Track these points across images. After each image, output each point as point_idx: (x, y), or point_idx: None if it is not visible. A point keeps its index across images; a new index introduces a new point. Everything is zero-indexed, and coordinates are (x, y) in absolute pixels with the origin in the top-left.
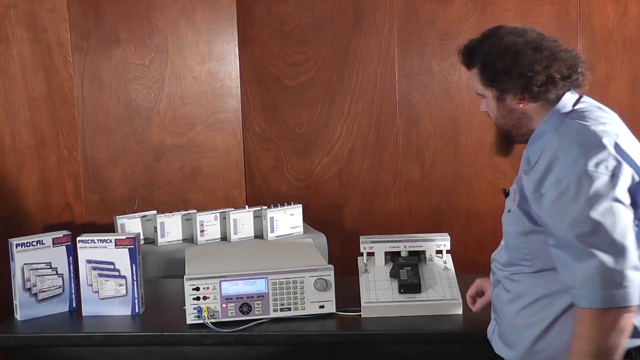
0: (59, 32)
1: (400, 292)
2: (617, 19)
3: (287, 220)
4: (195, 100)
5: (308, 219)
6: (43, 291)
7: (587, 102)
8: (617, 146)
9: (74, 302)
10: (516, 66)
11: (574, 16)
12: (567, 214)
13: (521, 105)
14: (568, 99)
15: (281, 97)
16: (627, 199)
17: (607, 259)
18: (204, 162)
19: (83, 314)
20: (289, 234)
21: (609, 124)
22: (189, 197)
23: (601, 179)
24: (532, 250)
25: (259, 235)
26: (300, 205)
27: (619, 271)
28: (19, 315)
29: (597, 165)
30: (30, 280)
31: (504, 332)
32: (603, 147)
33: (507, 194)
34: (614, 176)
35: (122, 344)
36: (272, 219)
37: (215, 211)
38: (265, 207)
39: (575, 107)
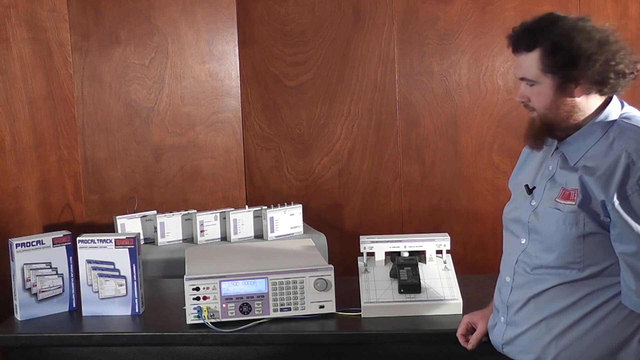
0: (59, 32)
1: (400, 292)
2: (617, 19)
3: (287, 220)
4: (195, 100)
5: (308, 219)
6: (43, 291)
7: (630, 107)
8: None
9: (74, 302)
10: (600, 53)
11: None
12: None
13: (580, 97)
14: (616, 102)
15: (281, 97)
16: None
17: None
18: (204, 162)
19: (83, 314)
20: (289, 234)
21: None
22: (189, 197)
23: None
24: (587, 254)
25: (259, 235)
26: (300, 205)
27: None
28: (19, 315)
29: None
30: (30, 280)
31: (525, 337)
32: None
33: (531, 191)
34: None
35: (122, 344)
36: (272, 219)
37: (215, 211)
38: (265, 207)
39: (622, 112)
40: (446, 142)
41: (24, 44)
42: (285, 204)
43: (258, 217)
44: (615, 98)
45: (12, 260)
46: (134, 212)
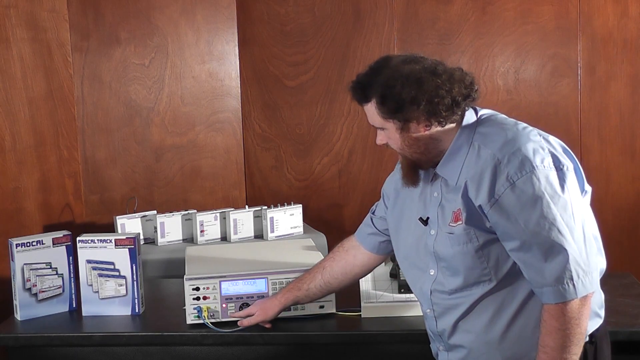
0: (59, 32)
1: (400, 292)
2: (617, 19)
3: (287, 220)
4: (195, 100)
5: (308, 219)
6: (43, 291)
7: (483, 110)
8: (545, 140)
9: (74, 302)
10: (421, 94)
11: (574, 16)
12: (530, 215)
13: (427, 131)
14: (469, 113)
15: (281, 97)
16: (577, 188)
17: (573, 251)
18: (204, 162)
19: (83, 314)
20: (289, 234)
21: (520, 123)
22: (189, 197)
23: (551, 175)
24: (490, 263)
25: (259, 235)
26: (300, 205)
27: (585, 260)
28: (19, 315)
29: (542, 161)
30: (30, 280)
31: (470, 356)
32: (539, 143)
33: (426, 222)
34: (559, 169)
35: (122, 344)
36: (272, 219)
37: (215, 211)
38: (265, 207)
39: (479, 116)
40: None
41: (24, 44)
42: (285, 204)
43: (258, 217)
44: (467, 110)
45: (12, 260)
46: (134, 212)
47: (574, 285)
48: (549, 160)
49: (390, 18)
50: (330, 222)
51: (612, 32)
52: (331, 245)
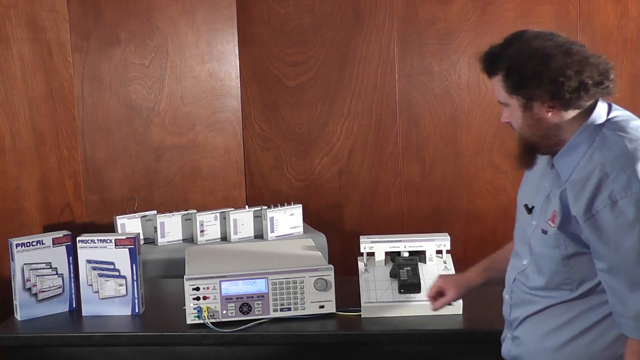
0: (59, 32)
1: (400, 292)
2: (617, 19)
3: (287, 220)
4: (195, 100)
5: (308, 219)
6: (43, 291)
7: (620, 111)
8: None
9: (74, 302)
10: (546, 70)
11: (574, 16)
12: (623, 240)
13: (550, 114)
14: (601, 109)
15: (281, 97)
16: None
17: None
18: (204, 162)
19: (83, 314)
20: (289, 234)
21: None
22: (189, 197)
23: None
24: (575, 275)
25: (259, 235)
26: (300, 205)
27: None
28: (19, 315)
29: None
30: (30, 280)
31: (526, 355)
32: None
33: (530, 210)
34: None
35: (122, 344)
36: (272, 219)
37: (215, 211)
38: (265, 207)
39: (610, 117)
40: (446, 142)
41: (24, 44)
42: (285, 204)
43: (258, 217)
44: (600, 103)
45: (12, 260)
46: (134, 212)
47: None
48: None
49: (390, 18)
50: (330, 222)
51: (612, 32)
52: (331, 245)
